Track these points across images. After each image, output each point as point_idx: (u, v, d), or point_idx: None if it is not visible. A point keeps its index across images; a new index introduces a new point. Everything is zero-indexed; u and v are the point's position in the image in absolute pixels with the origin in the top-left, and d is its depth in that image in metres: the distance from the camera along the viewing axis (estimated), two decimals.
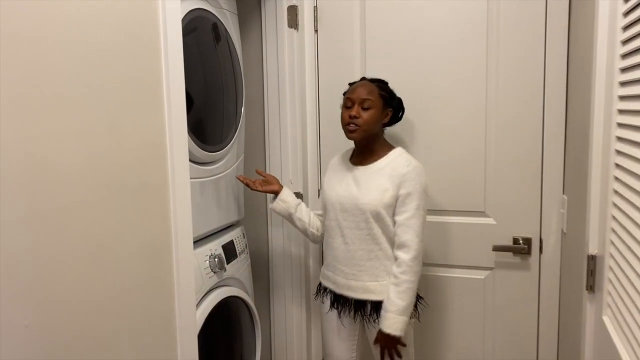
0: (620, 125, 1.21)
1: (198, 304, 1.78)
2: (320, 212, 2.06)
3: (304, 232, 2.08)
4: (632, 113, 1.13)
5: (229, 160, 2.09)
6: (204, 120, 1.91)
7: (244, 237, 2.22)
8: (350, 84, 1.94)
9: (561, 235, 2.03)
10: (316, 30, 2.30)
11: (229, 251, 2.05)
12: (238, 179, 2.09)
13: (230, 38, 2.07)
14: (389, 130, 2.14)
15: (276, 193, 2.06)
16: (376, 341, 1.80)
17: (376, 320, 1.83)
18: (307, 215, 2.06)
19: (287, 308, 2.44)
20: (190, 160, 1.76)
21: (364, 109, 1.83)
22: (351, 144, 2.00)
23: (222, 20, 2.00)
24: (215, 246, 1.96)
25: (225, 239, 2.06)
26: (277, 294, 2.46)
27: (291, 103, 2.31)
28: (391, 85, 1.96)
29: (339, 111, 1.92)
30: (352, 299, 1.90)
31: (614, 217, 1.24)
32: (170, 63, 1.39)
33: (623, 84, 1.20)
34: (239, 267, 2.12)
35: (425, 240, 2.17)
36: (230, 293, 2.00)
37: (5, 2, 0.92)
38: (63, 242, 1.06)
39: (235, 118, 2.11)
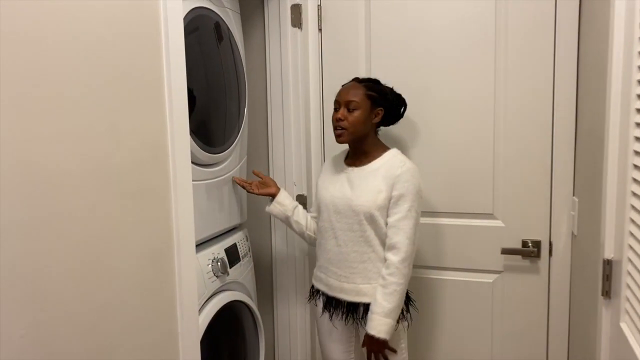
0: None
1: (200, 309, 1.74)
2: (315, 214, 2.03)
3: (301, 235, 2.06)
4: None
5: (232, 162, 2.05)
6: (206, 121, 1.87)
7: (247, 240, 2.18)
8: (343, 86, 1.91)
9: (571, 238, 1.99)
10: (320, 30, 2.26)
11: (232, 255, 2.01)
12: (234, 180, 2.05)
13: (233, 37, 2.03)
14: (393, 130, 2.10)
15: (273, 196, 2.03)
16: (363, 344, 1.77)
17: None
18: (304, 218, 2.04)
19: (290, 312, 2.39)
20: (192, 162, 1.72)
21: (350, 111, 1.80)
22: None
23: (224, 19, 1.97)
24: (217, 250, 1.92)
25: (228, 242, 2.02)
26: (281, 297, 2.41)
27: (295, 104, 2.28)
28: (396, 85, 1.93)
29: None
30: (344, 301, 1.87)
31: (632, 220, 1.20)
32: (171, 62, 1.36)
33: None
34: (242, 271, 2.08)
35: (420, 243, 2.13)
36: (233, 297, 1.95)
37: (2, 1, 0.88)
38: (60, 249, 1.02)
39: (237, 119, 2.07)
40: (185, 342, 1.43)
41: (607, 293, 1.35)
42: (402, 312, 1.80)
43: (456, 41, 2.07)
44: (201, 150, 1.78)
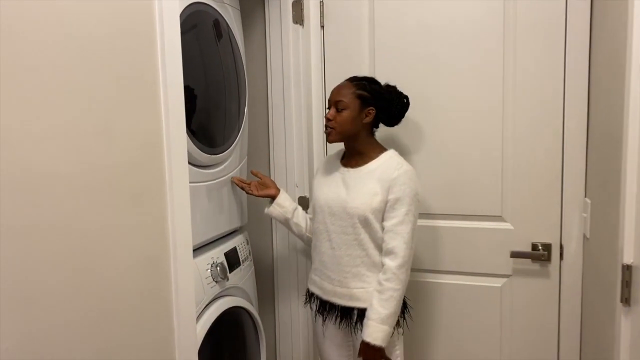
0: None
1: (198, 317, 1.67)
2: (311, 215, 1.98)
3: (301, 237, 2.02)
4: None
5: (232, 162, 1.99)
6: (205, 121, 1.81)
7: (247, 243, 2.12)
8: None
9: (583, 241, 1.92)
10: (322, 26, 2.20)
11: (232, 259, 1.94)
12: (233, 181, 1.99)
13: (233, 34, 1.98)
14: (398, 131, 2.03)
15: (273, 197, 1.98)
16: (359, 353, 1.71)
17: (362, 329, 1.74)
18: (304, 220, 2.00)
19: (292, 316, 2.33)
20: (190, 163, 1.67)
21: (339, 111, 1.77)
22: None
23: (223, 16, 1.91)
24: (217, 254, 1.86)
25: (227, 246, 1.95)
26: (282, 302, 2.35)
27: (296, 103, 2.22)
28: (401, 84, 1.87)
29: None
30: (338, 305, 1.82)
31: None
32: (167, 60, 1.30)
33: None
34: (243, 276, 2.02)
35: (426, 246, 2.13)
36: (233, 303, 1.89)
37: None
38: (49, 255, 0.95)
39: (238, 119, 2.01)
40: (182, 351, 1.37)
41: (626, 300, 1.28)
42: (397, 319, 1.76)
43: (463, 39, 2.01)
44: (199, 151, 1.72)
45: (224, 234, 2.00)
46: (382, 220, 1.74)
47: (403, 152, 2.10)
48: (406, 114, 1.90)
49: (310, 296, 1.96)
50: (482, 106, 2.02)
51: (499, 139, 2.01)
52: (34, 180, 0.92)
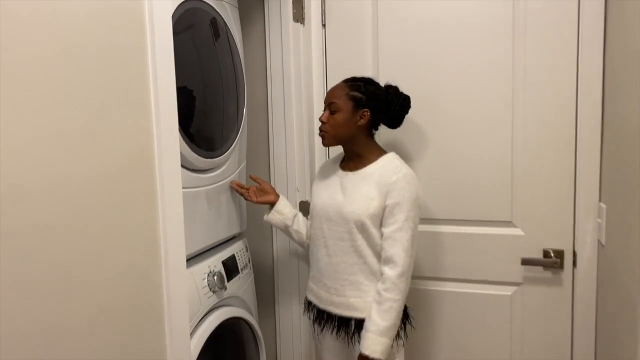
0: None
1: (194, 330, 1.60)
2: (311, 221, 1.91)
3: (301, 244, 1.96)
4: None
5: (230, 166, 1.92)
6: (202, 123, 1.74)
7: (246, 250, 2.05)
8: None
9: (598, 248, 1.83)
10: (324, 25, 2.13)
11: (230, 267, 1.87)
12: (231, 186, 1.92)
13: (231, 34, 1.90)
14: (401, 134, 1.95)
15: (272, 203, 1.92)
16: None
17: (359, 341, 1.67)
18: (304, 227, 1.93)
19: (293, 326, 2.25)
20: (186, 168, 1.62)
21: (332, 113, 1.72)
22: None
23: (221, 14, 1.84)
24: (214, 262, 1.78)
25: (225, 253, 1.88)
26: (283, 311, 2.27)
27: (297, 104, 2.14)
28: (406, 86, 1.80)
29: None
30: (335, 315, 1.75)
31: None
32: (158, 60, 1.23)
33: None
34: (242, 284, 1.94)
35: (432, 253, 2.05)
36: (231, 314, 1.81)
37: None
38: (30, 268, 0.88)
39: (236, 121, 1.94)
40: None
41: None
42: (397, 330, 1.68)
43: (472, 39, 1.94)
44: (195, 155, 1.64)
45: (222, 241, 1.92)
46: (381, 226, 1.67)
47: (407, 155, 2.03)
48: (411, 115, 1.83)
49: (308, 305, 1.89)
50: (490, 106, 1.94)
51: (508, 140, 1.93)
52: (11, 190, 0.84)
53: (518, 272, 1.97)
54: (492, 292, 2.01)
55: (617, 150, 1.60)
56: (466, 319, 2.06)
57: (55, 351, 0.94)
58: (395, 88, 1.77)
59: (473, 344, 2.05)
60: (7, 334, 0.85)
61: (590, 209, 1.84)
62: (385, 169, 1.69)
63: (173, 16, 1.51)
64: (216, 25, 1.82)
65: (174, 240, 1.29)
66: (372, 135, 1.79)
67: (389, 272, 1.62)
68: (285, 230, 1.94)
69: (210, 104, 1.79)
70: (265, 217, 1.94)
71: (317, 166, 2.16)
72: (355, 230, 1.68)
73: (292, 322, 2.25)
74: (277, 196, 1.93)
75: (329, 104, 1.74)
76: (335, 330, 1.76)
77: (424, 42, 1.99)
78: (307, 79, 2.14)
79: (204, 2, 1.74)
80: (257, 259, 2.25)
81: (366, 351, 1.58)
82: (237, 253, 1.95)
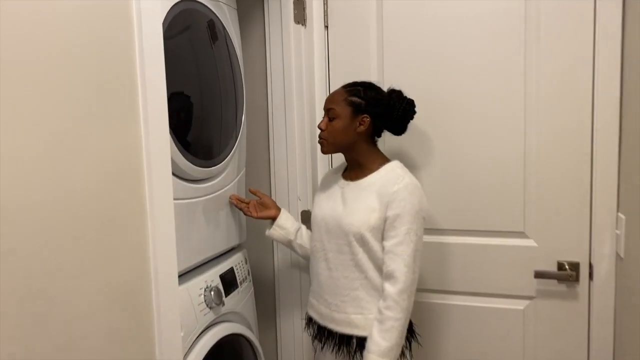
0: None
1: (190, 349, 1.52)
2: None
3: (306, 258, 1.87)
4: None
5: (228, 175, 1.84)
6: (198, 130, 1.66)
7: (246, 262, 1.96)
8: None
9: (616, 260, 1.74)
10: (326, 27, 2.05)
11: (229, 281, 1.78)
12: (230, 201, 1.85)
13: (229, 36, 1.83)
14: (407, 139, 1.86)
15: (273, 218, 1.84)
16: None
17: None
18: (308, 240, 1.84)
19: (295, 342, 2.16)
20: (181, 178, 1.55)
21: (330, 120, 1.65)
22: None
23: (219, 16, 1.77)
24: (211, 277, 1.70)
25: (224, 266, 1.79)
26: (285, 326, 2.18)
27: (299, 109, 2.06)
28: (412, 90, 1.71)
29: None
30: (336, 332, 1.67)
31: None
32: (146, 64, 1.14)
33: None
34: (241, 299, 1.86)
35: (439, 264, 1.97)
36: (229, 331, 1.73)
37: None
38: (4, 294, 0.79)
39: (235, 127, 1.86)
40: None
41: None
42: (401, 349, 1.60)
43: (481, 42, 1.85)
44: (191, 164, 1.56)
45: (220, 253, 1.84)
46: (382, 239, 1.59)
47: (412, 162, 1.95)
48: (417, 121, 1.75)
49: (309, 321, 1.81)
50: (501, 111, 1.85)
51: (520, 147, 1.84)
52: None
53: (531, 285, 1.88)
54: (503, 306, 1.92)
55: (636, 157, 1.51)
56: (475, 334, 1.97)
57: None
58: (399, 92, 1.69)
59: (484, 358, 1.96)
60: None
61: (607, 219, 1.74)
62: (387, 179, 1.61)
63: (166, 18, 1.45)
64: (213, 28, 1.75)
65: (165, 258, 1.21)
66: (374, 143, 1.71)
67: (390, 288, 1.54)
68: (289, 245, 1.87)
69: (208, 110, 1.71)
70: (266, 232, 1.86)
71: (320, 174, 2.09)
72: (355, 243, 1.60)
73: (294, 337, 2.16)
74: (278, 210, 1.86)
75: (327, 110, 1.67)
76: (336, 349, 1.67)
77: (431, 44, 1.91)
78: (309, 83, 2.06)
79: (200, 3, 1.67)
80: (257, 271, 2.17)
81: None
82: (236, 266, 1.86)
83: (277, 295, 2.19)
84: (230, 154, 1.82)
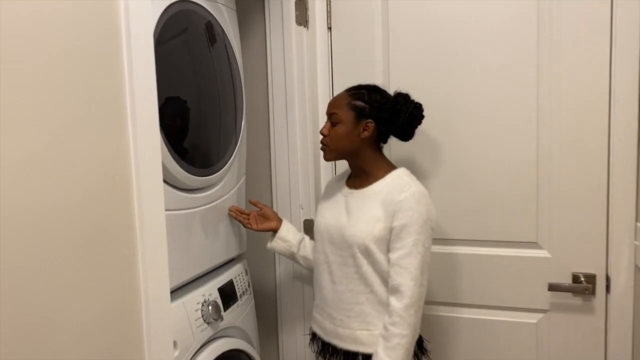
0: None
1: None
2: None
3: (310, 270, 1.80)
4: None
5: (227, 183, 1.77)
6: (195, 137, 1.60)
7: (246, 274, 1.89)
8: None
9: (635, 272, 1.66)
10: (330, 28, 1.97)
11: (228, 294, 1.71)
12: (230, 213, 1.78)
13: (228, 39, 1.76)
14: (414, 145, 1.78)
15: (274, 230, 1.78)
16: None
17: None
18: (311, 252, 1.76)
19: (298, 357, 2.09)
20: (176, 187, 1.48)
21: (333, 125, 1.57)
22: None
23: (217, 18, 1.70)
24: (209, 290, 1.62)
25: (222, 279, 1.72)
26: (288, 341, 2.11)
27: (301, 114, 1.99)
28: (419, 94, 1.64)
29: None
30: (340, 349, 1.59)
31: None
32: (134, 67, 1.06)
33: None
34: (241, 312, 1.78)
35: (445, 276, 1.89)
36: (229, 347, 1.66)
37: None
38: None
39: (234, 133, 1.79)
40: None
41: None
42: None
43: (492, 42, 1.78)
44: (187, 174, 1.50)
45: (219, 265, 1.77)
46: (388, 251, 1.51)
47: (420, 169, 1.87)
48: (425, 126, 1.67)
49: (313, 336, 1.73)
50: (513, 115, 1.77)
51: (533, 153, 1.76)
52: None
53: (544, 298, 1.79)
54: (516, 319, 1.84)
55: None
56: (486, 349, 1.88)
57: None
58: (406, 96, 1.61)
59: None
60: None
61: (625, 229, 1.66)
62: (393, 187, 1.53)
63: (160, 19, 1.39)
64: (212, 30, 1.68)
65: (156, 274, 1.13)
66: (379, 149, 1.63)
67: (396, 303, 1.46)
68: (292, 257, 1.80)
69: (205, 115, 1.64)
70: (268, 245, 1.80)
71: (323, 181, 2.02)
72: (359, 255, 1.52)
73: (297, 353, 2.09)
74: (280, 221, 1.79)
75: (330, 115, 1.59)
76: None
77: (439, 46, 1.83)
78: (312, 87, 1.99)
79: (197, 4, 1.60)
80: (258, 283, 2.09)
81: None
82: (235, 278, 1.79)
83: (279, 308, 2.11)
84: (230, 161, 1.75)
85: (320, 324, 1.66)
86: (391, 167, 1.61)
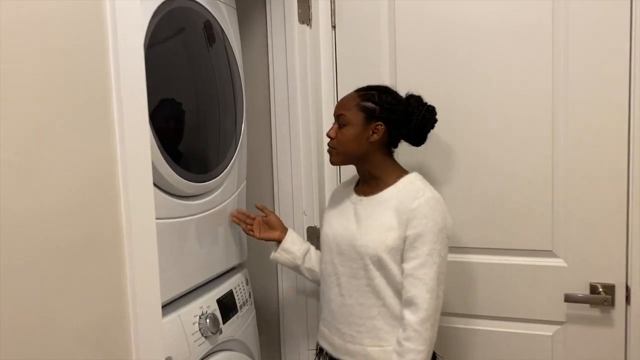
0: None
1: None
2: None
3: (316, 282, 1.72)
4: None
5: (227, 189, 1.70)
6: (192, 140, 1.53)
7: (247, 284, 1.82)
8: None
9: None
10: (334, 27, 1.92)
11: (227, 305, 1.64)
12: (233, 219, 1.72)
13: (227, 38, 1.70)
14: (424, 149, 1.70)
15: (278, 241, 1.70)
16: None
17: None
18: (317, 264, 1.69)
19: None
20: (171, 194, 1.41)
21: (341, 127, 1.50)
22: None
23: (216, 16, 1.64)
24: (207, 302, 1.55)
25: (222, 290, 1.65)
26: (291, 354, 2.03)
27: (304, 116, 1.92)
28: (429, 96, 1.56)
29: None
30: None
31: None
32: (121, 65, 0.99)
33: None
34: (241, 324, 1.71)
35: (456, 287, 1.82)
36: None
37: None
38: None
39: (234, 136, 1.73)
40: None
41: None
42: None
43: (505, 43, 1.71)
44: (182, 180, 1.43)
45: (218, 275, 1.70)
46: (402, 260, 1.43)
47: (431, 174, 1.79)
48: (436, 130, 1.59)
49: (319, 352, 1.65)
50: (527, 119, 1.70)
51: (548, 158, 1.69)
52: None
53: (561, 309, 1.72)
54: (531, 331, 1.77)
55: None
56: None
57: None
58: (418, 98, 1.54)
59: None
60: None
61: None
62: (406, 193, 1.45)
63: (153, 17, 1.32)
64: (210, 29, 1.62)
65: (146, 287, 1.06)
66: (390, 153, 1.55)
67: (410, 317, 1.38)
68: (296, 269, 1.72)
69: (203, 117, 1.58)
70: (271, 256, 1.72)
71: (327, 186, 1.96)
72: (371, 266, 1.44)
73: None
74: (285, 231, 1.71)
75: (338, 117, 1.52)
76: None
77: (450, 45, 1.76)
78: (315, 88, 1.93)
79: (196, 2, 1.54)
80: (260, 293, 2.02)
81: None
82: (235, 288, 1.72)
83: (281, 319, 2.04)
84: (229, 165, 1.68)
85: (329, 339, 1.58)
86: (403, 172, 1.53)
